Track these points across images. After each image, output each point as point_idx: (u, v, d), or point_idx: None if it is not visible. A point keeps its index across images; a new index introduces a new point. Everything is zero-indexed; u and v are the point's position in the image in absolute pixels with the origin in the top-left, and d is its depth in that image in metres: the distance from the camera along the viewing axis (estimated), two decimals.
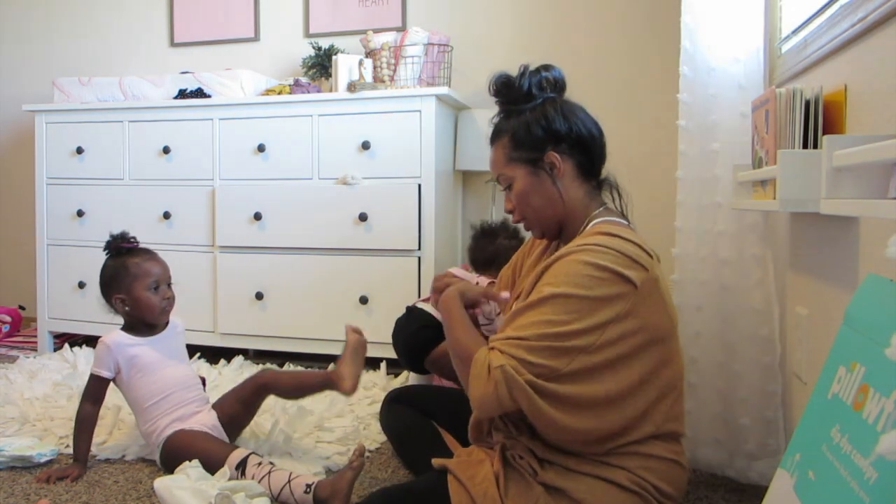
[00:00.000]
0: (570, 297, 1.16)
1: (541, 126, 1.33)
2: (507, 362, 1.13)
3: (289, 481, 1.51)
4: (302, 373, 1.82)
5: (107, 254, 1.85)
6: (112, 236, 1.85)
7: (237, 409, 1.83)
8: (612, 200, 1.40)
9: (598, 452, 1.21)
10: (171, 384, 1.77)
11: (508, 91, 1.39)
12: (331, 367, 1.77)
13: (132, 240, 1.85)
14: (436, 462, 1.28)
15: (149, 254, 1.84)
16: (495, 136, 1.39)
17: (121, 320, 1.86)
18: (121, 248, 1.83)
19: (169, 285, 1.84)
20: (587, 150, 1.34)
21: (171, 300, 1.83)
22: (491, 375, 1.14)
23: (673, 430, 1.26)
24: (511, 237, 2.13)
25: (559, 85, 1.41)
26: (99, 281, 1.83)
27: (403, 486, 1.35)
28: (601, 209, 1.35)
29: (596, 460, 1.21)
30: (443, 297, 1.41)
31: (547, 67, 1.40)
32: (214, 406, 1.83)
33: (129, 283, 1.78)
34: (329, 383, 1.74)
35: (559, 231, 1.36)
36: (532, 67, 1.40)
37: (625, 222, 1.33)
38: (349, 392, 1.69)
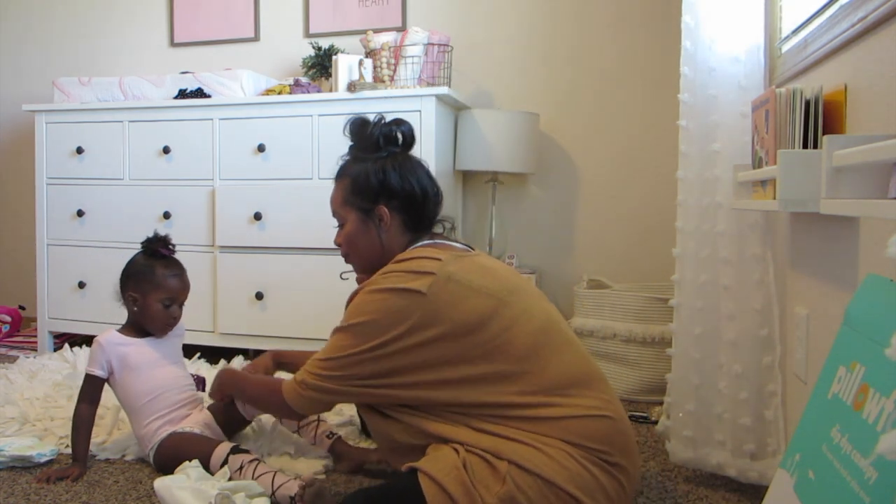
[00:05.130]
0: (362, 324, 1.35)
1: (378, 179, 1.46)
2: (308, 377, 1.40)
3: (273, 491, 1.50)
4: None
5: (142, 249, 1.83)
6: (156, 236, 1.83)
7: (229, 409, 1.84)
8: (443, 227, 1.54)
9: (492, 415, 1.29)
10: (162, 385, 1.77)
11: (360, 134, 1.51)
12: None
13: (171, 247, 1.83)
14: (405, 466, 1.30)
15: (178, 269, 1.83)
16: (338, 176, 1.53)
17: (119, 318, 1.86)
18: (157, 253, 1.81)
19: (181, 305, 1.83)
20: (416, 209, 1.48)
21: (176, 319, 1.84)
22: (300, 391, 1.41)
23: (575, 386, 1.30)
24: None
25: (407, 141, 1.53)
26: (124, 269, 1.83)
27: (381, 487, 1.40)
28: (416, 241, 1.47)
29: (524, 431, 1.26)
30: (219, 381, 1.72)
31: (399, 122, 1.52)
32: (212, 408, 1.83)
33: (147, 289, 1.78)
34: None
35: (377, 271, 1.45)
36: (386, 120, 1.52)
37: (430, 242, 1.45)
38: None
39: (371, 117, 1.52)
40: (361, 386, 1.36)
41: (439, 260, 1.35)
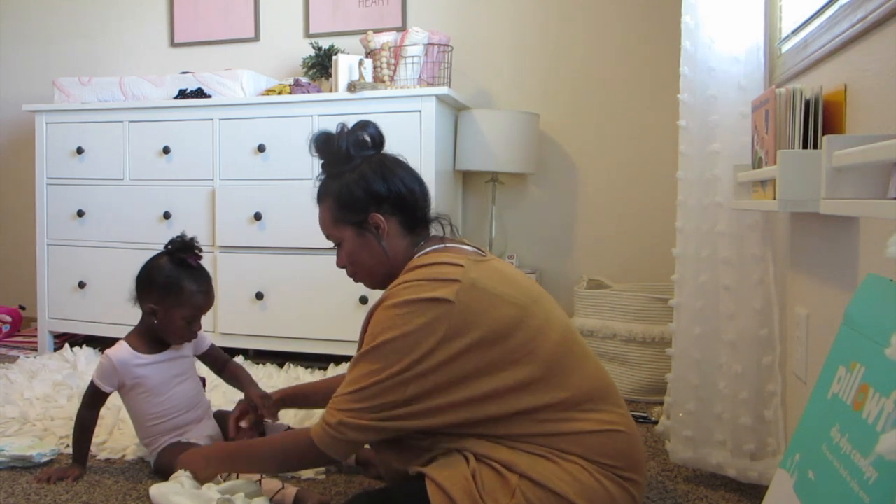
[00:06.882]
0: (389, 342, 1.24)
1: (361, 188, 1.39)
2: (341, 416, 1.27)
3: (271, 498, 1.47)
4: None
5: (168, 256, 1.69)
6: (183, 241, 1.69)
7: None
8: (443, 227, 1.46)
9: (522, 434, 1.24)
10: (176, 408, 1.72)
11: (328, 149, 1.43)
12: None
13: (198, 252, 1.70)
14: (412, 469, 1.28)
15: (206, 283, 1.70)
16: (320, 198, 1.45)
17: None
18: (184, 261, 1.67)
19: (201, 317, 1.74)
20: (408, 207, 1.41)
21: (196, 333, 1.74)
22: (332, 433, 1.28)
23: (592, 400, 1.27)
24: None
25: (376, 142, 1.45)
26: (143, 273, 1.70)
27: (384, 490, 1.36)
28: (422, 244, 1.40)
29: (540, 445, 1.23)
30: (191, 461, 1.48)
31: (364, 126, 1.44)
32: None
33: (171, 304, 1.65)
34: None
35: (389, 281, 1.39)
36: (349, 127, 1.44)
37: (441, 245, 1.37)
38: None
39: (333, 129, 1.44)
40: (395, 418, 1.25)
41: (461, 266, 1.27)
